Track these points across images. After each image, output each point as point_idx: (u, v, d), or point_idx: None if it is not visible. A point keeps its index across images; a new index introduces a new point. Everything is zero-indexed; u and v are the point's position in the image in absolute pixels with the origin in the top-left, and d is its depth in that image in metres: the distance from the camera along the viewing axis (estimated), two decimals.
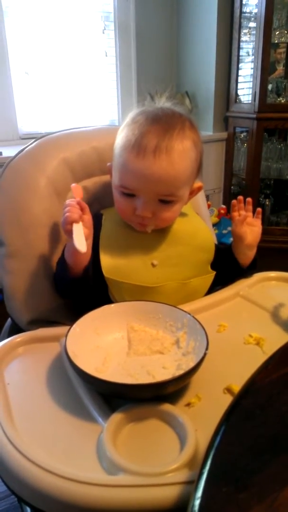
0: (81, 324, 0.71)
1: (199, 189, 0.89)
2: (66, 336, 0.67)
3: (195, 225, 0.93)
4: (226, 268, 0.94)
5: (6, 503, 1.25)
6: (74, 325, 0.69)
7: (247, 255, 0.93)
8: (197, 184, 0.87)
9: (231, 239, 0.94)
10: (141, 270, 0.84)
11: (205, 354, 0.63)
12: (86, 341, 0.70)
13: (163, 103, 0.85)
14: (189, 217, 0.94)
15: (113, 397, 0.63)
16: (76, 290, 0.83)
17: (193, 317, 0.72)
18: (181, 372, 0.63)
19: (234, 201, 0.93)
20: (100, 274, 0.82)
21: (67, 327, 0.71)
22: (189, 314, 0.73)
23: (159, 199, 0.80)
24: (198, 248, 0.90)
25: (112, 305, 0.76)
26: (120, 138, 0.81)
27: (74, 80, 2.46)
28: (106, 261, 0.83)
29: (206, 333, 0.67)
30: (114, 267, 0.82)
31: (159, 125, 0.77)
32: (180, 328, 0.74)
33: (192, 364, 0.62)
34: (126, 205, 0.82)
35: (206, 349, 0.64)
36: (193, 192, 0.88)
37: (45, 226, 0.86)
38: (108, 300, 0.82)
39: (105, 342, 0.73)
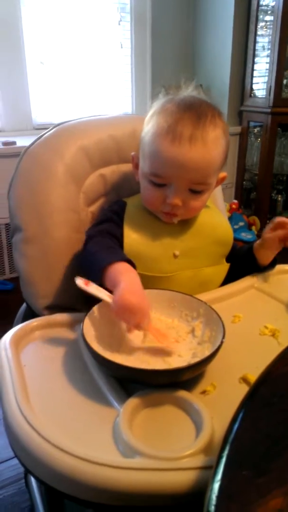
0: (98, 309, 0.71)
1: (223, 179, 0.89)
2: (83, 320, 0.67)
3: (216, 218, 0.93)
4: (244, 265, 0.94)
5: (14, 488, 1.26)
6: (92, 310, 0.70)
7: (269, 258, 0.93)
8: (222, 174, 0.88)
9: (244, 235, 0.93)
10: (163, 260, 0.84)
11: (221, 342, 0.63)
12: (102, 327, 0.70)
13: (189, 92, 0.84)
14: (211, 210, 0.94)
15: (128, 382, 0.63)
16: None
17: (210, 306, 0.72)
18: (196, 360, 0.63)
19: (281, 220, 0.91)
20: None
21: (83, 314, 0.71)
22: (205, 303, 0.73)
23: (189, 189, 0.80)
24: (217, 241, 0.90)
25: None
26: (151, 126, 0.80)
27: (88, 71, 2.45)
28: (129, 248, 0.82)
29: (222, 322, 0.67)
30: (134, 256, 0.82)
31: (191, 113, 0.77)
32: (195, 317, 0.74)
33: (207, 353, 0.63)
34: (156, 194, 0.81)
35: (223, 337, 0.64)
36: (218, 182, 0.88)
37: (62, 212, 0.86)
38: None
39: (121, 329, 0.73)
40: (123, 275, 0.70)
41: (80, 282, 0.69)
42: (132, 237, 0.84)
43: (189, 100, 0.80)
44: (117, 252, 0.78)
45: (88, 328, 0.66)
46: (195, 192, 0.81)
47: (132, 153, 0.89)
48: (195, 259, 0.87)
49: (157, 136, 0.78)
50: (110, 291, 0.70)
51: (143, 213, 0.87)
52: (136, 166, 0.87)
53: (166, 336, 0.71)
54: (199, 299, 0.75)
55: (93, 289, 0.69)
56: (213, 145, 0.78)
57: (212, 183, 0.83)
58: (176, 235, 0.86)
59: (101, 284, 0.72)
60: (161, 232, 0.85)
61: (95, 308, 0.71)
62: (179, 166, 0.77)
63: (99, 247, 0.78)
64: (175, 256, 0.85)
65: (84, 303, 0.82)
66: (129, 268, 0.72)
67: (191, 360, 0.66)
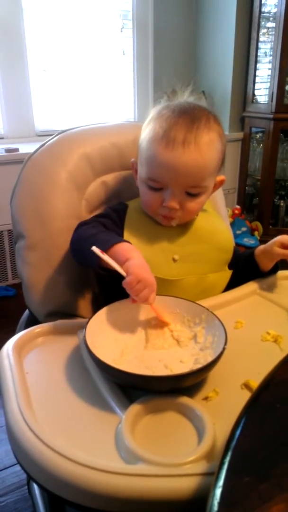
0: (101, 315, 0.71)
1: (222, 182, 0.89)
2: (85, 326, 0.67)
3: (215, 224, 0.94)
4: (246, 270, 0.94)
5: (17, 495, 1.26)
6: (94, 316, 0.70)
7: (270, 264, 0.94)
8: (220, 177, 0.88)
9: (247, 240, 0.94)
10: (162, 264, 0.84)
11: (223, 348, 0.63)
12: (105, 333, 0.71)
13: (185, 98, 0.86)
14: (210, 215, 0.94)
15: (130, 388, 0.63)
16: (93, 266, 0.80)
17: (212, 312, 0.72)
18: (198, 366, 0.63)
19: None
20: None
21: (85, 320, 0.71)
22: (208, 309, 0.73)
23: (186, 191, 0.81)
24: (217, 247, 0.91)
25: (129, 298, 0.77)
26: (147, 132, 0.82)
27: (91, 78, 2.47)
28: None
29: (224, 328, 0.67)
30: None
31: (185, 117, 0.79)
32: (198, 323, 0.74)
33: (210, 359, 0.63)
34: (154, 198, 0.82)
35: (225, 344, 0.64)
36: (216, 185, 0.88)
37: (65, 219, 0.87)
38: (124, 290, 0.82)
39: (124, 335, 0.73)
40: (131, 252, 0.73)
41: (96, 249, 0.72)
42: (132, 240, 0.84)
43: (184, 106, 0.81)
44: (115, 235, 0.80)
45: (91, 334, 0.66)
46: (192, 195, 0.82)
47: (132, 160, 0.90)
48: (196, 264, 0.87)
49: (153, 141, 0.79)
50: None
51: (143, 217, 0.88)
52: (136, 171, 0.88)
53: (166, 314, 0.76)
54: (201, 305, 0.75)
55: (108, 258, 0.72)
56: (207, 148, 0.78)
57: (209, 186, 0.84)
58: (175, 239, 0.87)
59: (100, 266, 0.75)
60: (160, 236, 0.86)
61: (97, 314, 0.71)
62: (174, 170, 0.78)
63: (96, 230, 0.80)
64: (174, 260, 0.85)
65: (85, 309, 0.82)
66: (134, 247, 0.76)
67: (193, 367, 0.66)
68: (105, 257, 0.72)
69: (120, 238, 0.78)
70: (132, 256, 0.72)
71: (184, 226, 0.88)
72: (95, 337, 0.67)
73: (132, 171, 0.91)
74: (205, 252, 0.89)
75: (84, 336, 0.65)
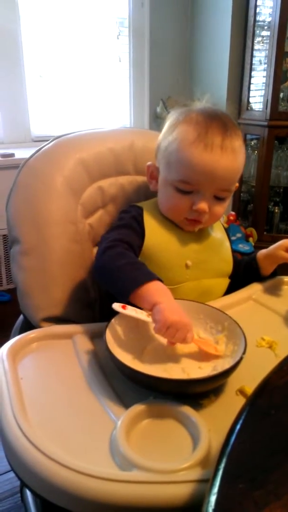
0: (123, 316, 0.71)
1: (236, 188, 0.90)
2: (106, 326, 0.68)
3: (222, 235, 0.95)
4: (246, 275, 0.95)
5: (10, 502, 1.25)
6: (116, 317, 0.71)
7: (271, 268, 0.95)
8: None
9: (241, 246, 0.95)
10: (176, 268, 0.85)
11: (241, 358, 0.63)
12: (126, 334, 0.71)
13: (204, 104, 0.86)
14: (219, 225, 0.96)
15: (144, 389, 0.63)
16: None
17: (234, 321, 0.72)
18: (214, 373, 0.63)
19: None
20: None
21: (80, 325, 0.71)
22: (231, 317, 0.73)
23: (214, 195, 0.82)
24: (223, 258, 0.92)
25: None
26: (176, 134, 0.81)
27: (87, 84, 2.48)
28: (146, 253, 0.83)
29: (245, 337, 0.67)
30: (151, 261, 0.82)
31: (218, 122, 0.80)
32: (220, 330, 0.74)
33: (227, 367, 0.63)
34: (182, 201, 0.82)
35: (243, 353, 0.64)
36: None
37: (60, 224, 0.87)
38: None
39: (145, 337, 0.73)
40: (161, 295, 0.70)
41: (117, 306, 0.69)
42: (151, 243, 0.84)
43: (212, 110, 0.83)
44: (145, 268, 0.76)
45: (112, 332, 0.67)
46: (219, 198, 0.83)
47: (149, 163, 0.90)
48: (203, 272, 0.88)
49: (187, 143, 0.79)
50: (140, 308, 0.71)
51: (160, 220, 0.88)
52: (152, 176, 0.88)
53: (209, 343, 0.73)
54: (224, 313, 0.75)
55: (131, 311, 0.70)
56: (239, 153, 0.82)
57: (233, 191, 0.86)
58: (190, 245, 0.87)
59: (128, 302, 0.71)
60: (177, 240, 0.86)
61: (120, 315, 0.71)
62: (211, 173, 0.79)
63: (124, 261, 0.75)
64: (187, 266, 0.86)
65: (82, 315, 0.82)
66: (164, 288, 0.72)
67: (210, 373, 0.65)
68: (127, 312, 0.69)
69: (149, 273, 0.74)
70: (160, 301, 0.68)
71: (200, 233, 0.89)
72: (115, 337, 0.68)
73: (147, 175, 0.91)
74: (213, 261, 0.90)
75: (105, 335, 0.65)
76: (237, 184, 0.88)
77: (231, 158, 0.79)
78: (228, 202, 0.87)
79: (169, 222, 0.87)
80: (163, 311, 0.67)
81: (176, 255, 0.85)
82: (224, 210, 0.86)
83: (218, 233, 0.94)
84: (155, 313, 0.68)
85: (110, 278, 0.76)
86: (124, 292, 0.71)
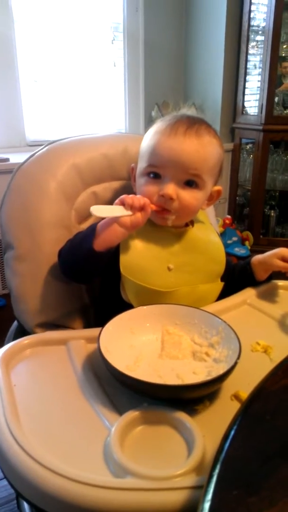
0: (116, 322, 0.71)
1: (219, 193, 0.91)
2: (100, 332, 0.67)
3: (210, 236, 0.94)
4: (241, 280, 0.95)
5: (5, 509, 1.24)
6: (109, 323, 0.70)
7: (265, 275, 0.95)
8: (218, 187, 0.90)
9: (237, 250, 0.95)
10: (158, 272, 0.84)
11: (236, 362, 0.63)
12: (120, 339, 0.71)
13: (185, 111, 0.89)
14: (205, 226, 0.95)
15: (139, 395, 0.63)
16: (87, 264, 0.81)
17: (228, 325, 0.72)
18: (208, 378, 0.63)
19: None
20: (113, 270, 0.82)
21: (74, 331, 0.71)
22: (225, 322, 0.73)
23: (184, 182, 0.82)
24: (211, 259, 0.91)
25: (146, 306, 0.77)
26: (150, 130, 0.86)
27: (82, 89, 2.48)
28: (125, 259, 0.83)
29: (239, 342, 0.67)
30: (131, 266, 0.82)
31: (188, 118, 0.84)
32: (214, 335, 0.74)
33: (222, 372, 0.62)
34: (151, 187, 0.83)
35: (238, 358, 0.63)
36: (213, 196, 0.91)
37: (54, 229, 0.87)
38: (116, 299, 0.82)
39: (139, 342, 0.73)
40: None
41: (94, 210, 0.74)
42: (128, 247, 0.84)
43: (190, 115, 0.86)
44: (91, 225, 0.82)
45: (105, 339, 0.66)
46: (189, 184, 0.82)
47: (132, 165, 0.91)
48: (190, 275, 0.87)
49: (155, 133, 0.83)
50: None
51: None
52: (135, 178, 0.89)
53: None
54: (219, 317, 0.75)
55: (107, 212, 0.77)
56: (207, 142, 0.82)
57: (206, 184, 0.84)
58: (170, 248, 0.87)
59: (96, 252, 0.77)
60: (156, 244, 0.86)
61: (113, 321, 0.71)
62: (174, 155, 0.80)
63: (73, 237, 0.83)
64: (169, 269, 0.85)
65: (76, 321, 0.81)
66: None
67: (205, 379, 0.65)
68: (104, 214, 0.76)
69: (94, 224, 0.80)
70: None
71: (180, 235, 0.88)
72: (110, 342, 0.67)
73: (131, 177, 0.92)
74: (199, 262, 0.89)
75: (98, 341, 0.65)
76: (218, 188, 0.90)
77: (195, 143, 0.81)
78: (203, 198, 0.86)
79: (149, 226, 0.86)
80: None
81: (156, 259, 0.85)
82: (195, 201, 0.84)
83: (204, 232, 0.93)
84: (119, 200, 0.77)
85: (72, 255, 0.81)
86: (88, 248, 0.76)
